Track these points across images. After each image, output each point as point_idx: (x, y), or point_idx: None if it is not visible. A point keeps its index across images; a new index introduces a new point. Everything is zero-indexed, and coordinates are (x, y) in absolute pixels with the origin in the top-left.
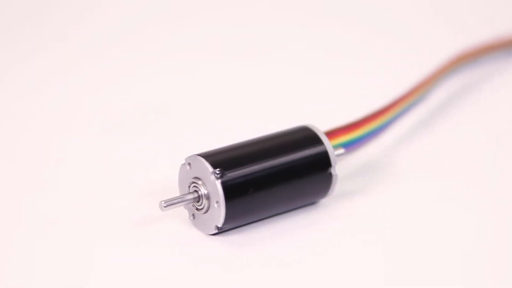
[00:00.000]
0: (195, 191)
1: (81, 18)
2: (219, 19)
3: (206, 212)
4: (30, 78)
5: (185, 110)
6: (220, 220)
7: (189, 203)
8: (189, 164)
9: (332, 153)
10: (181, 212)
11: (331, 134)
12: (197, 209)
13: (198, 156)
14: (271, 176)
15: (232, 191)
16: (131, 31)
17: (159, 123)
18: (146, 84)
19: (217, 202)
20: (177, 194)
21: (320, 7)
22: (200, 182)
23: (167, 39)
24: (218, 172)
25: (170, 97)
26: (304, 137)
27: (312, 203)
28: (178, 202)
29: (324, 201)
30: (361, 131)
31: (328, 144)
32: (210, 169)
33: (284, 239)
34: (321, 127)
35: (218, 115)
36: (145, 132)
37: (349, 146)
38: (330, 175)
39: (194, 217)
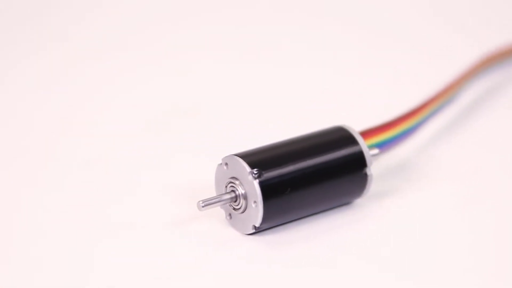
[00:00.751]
0: (232, 191)
1: (81, 18)
2: (219, 19)
3: (243, 212)
4: (30, 78)
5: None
6: (257, 220)
7: (226, 203)
8: (226, 164)
9: (368, 153)
10: (218, 211)
11: (365, 134)
12: (234, 209)
13: (235, 156)
14: (308, 176)
15: (269, 191)
16: (131, 31)
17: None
18: (146, 84)
19: (254, 202)
20: (213, 194)
21: (320, 7)
22: (237, 182)
23: (167, 39)
24: (255, 172)
25: (170, 97)
26: (340, 137)
27: (347, 203)
28: (215, 202)
29: (358, 201)
30: (393, 131)
31: (363, 144)
32: (248, 169)
33: (320, 239)
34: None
35: (220, 115)
36: (173, 132)
37: (382, 146)
38: (366, 175)
39: (231, 217)
